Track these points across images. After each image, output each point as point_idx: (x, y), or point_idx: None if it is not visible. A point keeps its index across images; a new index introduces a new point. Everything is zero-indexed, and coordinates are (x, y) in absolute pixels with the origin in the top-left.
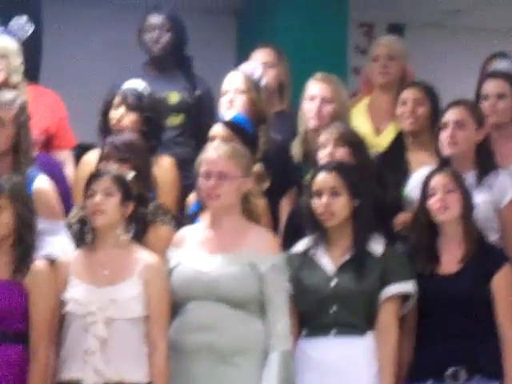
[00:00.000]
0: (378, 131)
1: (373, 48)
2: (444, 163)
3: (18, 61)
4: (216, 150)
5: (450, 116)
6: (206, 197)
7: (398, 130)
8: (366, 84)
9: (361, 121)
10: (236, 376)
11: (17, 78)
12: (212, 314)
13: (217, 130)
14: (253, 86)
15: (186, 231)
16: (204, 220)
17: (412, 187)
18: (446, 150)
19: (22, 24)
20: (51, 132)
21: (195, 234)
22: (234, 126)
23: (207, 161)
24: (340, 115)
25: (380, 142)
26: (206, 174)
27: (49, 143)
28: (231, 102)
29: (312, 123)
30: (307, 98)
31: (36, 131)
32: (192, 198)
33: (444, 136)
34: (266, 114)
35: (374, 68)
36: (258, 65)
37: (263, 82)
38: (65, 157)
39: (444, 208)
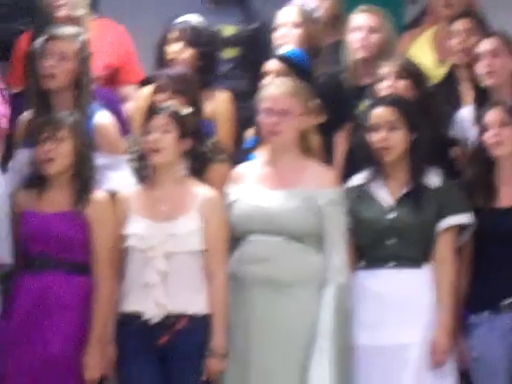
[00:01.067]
0: (441, 63)
1: None
2: (482, 95)
3: None
4: (278, 87)
5: (484, 46)
6: (267, 133)
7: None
8: (430, 15)
9: (424, 52)
10: (293, 307)
11: (80, 11)
12: (270, 246)
13: (272, 65)
14: (307, 18)
15: (244, 167)
16: (261, 156)
17: (458, 127)
18: (486, 81)
19: None
20: (115, 67)
21: (254, 170)
22: (289, 60)
23: (269, 97)
24: (387, 45)
25: (442, 73)
26: (268, 111)
27: (114, 78)
28: (286, 36)
29: (359, 53)
30: (353, 28)
31: (99, 66)
32: (250, 133)
33: (481, 67)
34: (320, 47)
35: None
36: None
37: (317, 14)
38: (129, 92)
39: (499, 143)
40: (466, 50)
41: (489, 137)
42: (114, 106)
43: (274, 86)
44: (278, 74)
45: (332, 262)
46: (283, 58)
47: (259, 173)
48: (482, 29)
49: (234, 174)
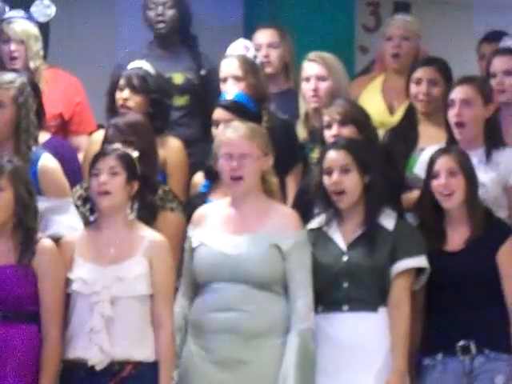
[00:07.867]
0: (391, 110)
1: (386, 28)
2: (453, 139)
3: (37, 46)
4: (235, 132)
5: (457, 94)
6: (228, 179)
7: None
8: (379, 62)
9: (374, 99)
10: (259, 356)
11: (35, 63)
12: (237, 294)
13: (219, 114)
14: (250, 69)
15: (205, 209)
16: (219, 199)
17: (421, 167)
18: (455, 132)
19: (44, 8)
20: (65, 117)
21: (216, 213)
22: (235, 107)
23: (227, 142)
24: (337, 91)
25: (394, 121)
26: (227, 156)
27: (65, 128)
28: (232, 88)
29: (311, 103)
30: (303, 78)
31: (49, 115)
32: (198, 179)
33: (451, 114)
34: (266, 92)
35: (387, 48)
36: (248, 43)
37: (258, 60)
38: (80, 142)
39: (448, 194)
40: (428, 99)
41: (438, 186)
42: (65, 154)
43: (231, 131)
44: (227, 122)
45: (295, 307)
46: (228, 106)
47: (222, 216)
48: (446, 77)
49: (196, 216)
